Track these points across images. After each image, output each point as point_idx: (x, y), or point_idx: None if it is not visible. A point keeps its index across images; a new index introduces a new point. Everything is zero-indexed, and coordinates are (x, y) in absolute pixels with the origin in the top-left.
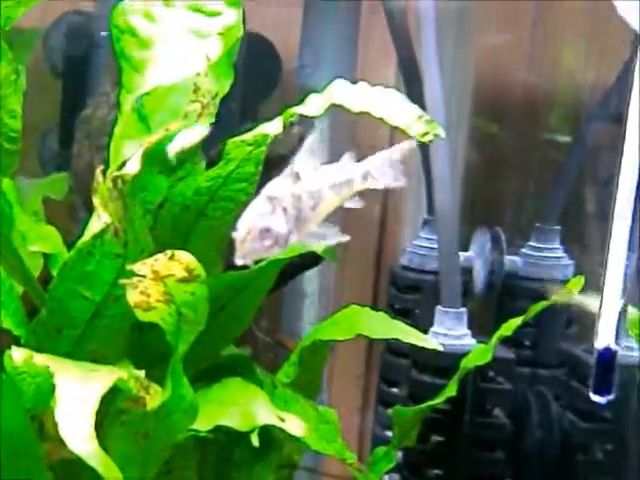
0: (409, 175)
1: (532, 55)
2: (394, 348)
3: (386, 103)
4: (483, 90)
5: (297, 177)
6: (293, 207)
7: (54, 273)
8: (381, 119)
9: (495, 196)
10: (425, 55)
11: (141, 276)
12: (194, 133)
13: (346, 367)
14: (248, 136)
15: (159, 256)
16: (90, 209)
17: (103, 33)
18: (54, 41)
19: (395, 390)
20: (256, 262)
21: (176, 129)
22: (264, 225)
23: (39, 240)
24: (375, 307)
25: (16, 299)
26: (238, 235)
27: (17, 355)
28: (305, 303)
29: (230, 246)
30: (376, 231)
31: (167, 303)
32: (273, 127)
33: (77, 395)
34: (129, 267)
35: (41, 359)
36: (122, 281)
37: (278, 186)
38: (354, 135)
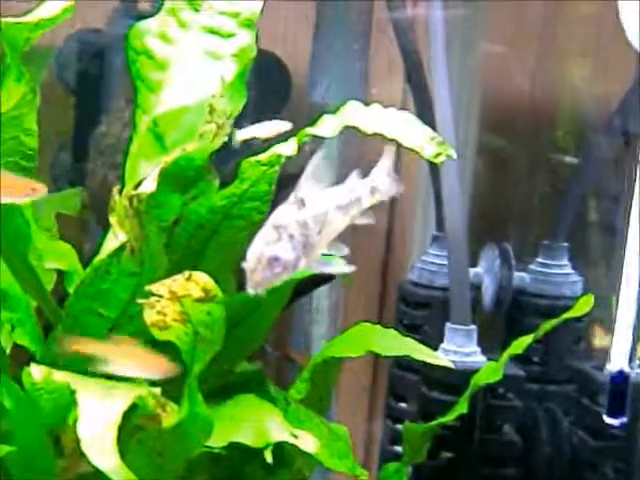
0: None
1: (538, 70)
2: (403, 363)
3: (399, 125)
4: (489, 105)
5: (302, 203)
6: (300, 234)
7: (70, 290)
8: (394, 140)
9: (502, 212)
10: (434, 70)
11: (159, 296)
12: (274, 126)
13: (352, 379)
14: (263, 156)
15: (177, 277)
16: (104, 226)
17: None
18: (66, 58)
19: (403, 405)
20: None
21: (192, 149)
22: (271, 254)
23: (55, 257)
24: (381, 322)
25: (32, 316)
26: (248, 265)
27: (36, 372)
28: (314, 319)
29: (241, 275)
30: (382, 246)
31: (183, 322)
32: (287, 148)
33: (99, 411)
34: (147, 287)
35: (61, 376)
36: (140, 300)
37: (284, 214)
38: (362, 147)
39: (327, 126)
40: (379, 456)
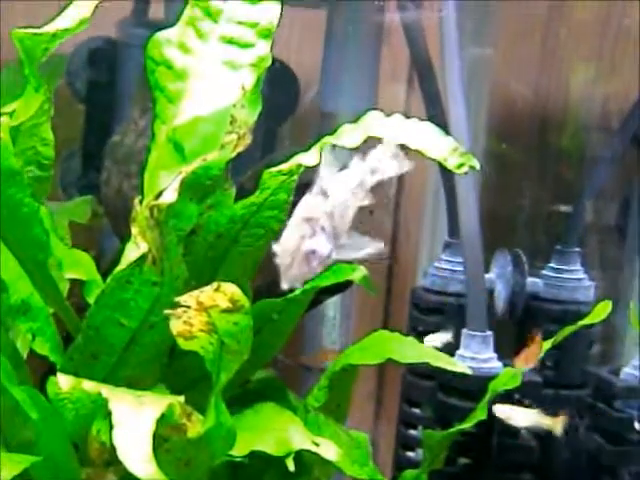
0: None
1: (542, 74)
2: (416, 369)
3: (422, 136)
4: (496, 112)
5: (325, 194)
6: (329, 225)
7: (89, 300)
8: (417, 151)
9: (512, 218)
10: (448, 76)
11: (186, 307)
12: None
13: (358, 384)
14: (284, 166)
15: (205, 288)
16: (119, 235)
17: None
18: (76, 66)
19: (417, 411)
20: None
21: (212, 159)
22: (309, 248)
23: (74, 267)
24: (386, 328)
25: (52, 326)
26: (282, 261)
27: (64, 381)
28: (326, 326)
29: (271, 272)
30: (387, 252)
31: (209, 332)
32: (309, 158)
33: (134, 420)
34: (176, 299)
35: (90, 385)
36: (166, 312)
37: (312, 206)
38: None
39: (349, 136)
40: (393, 463)
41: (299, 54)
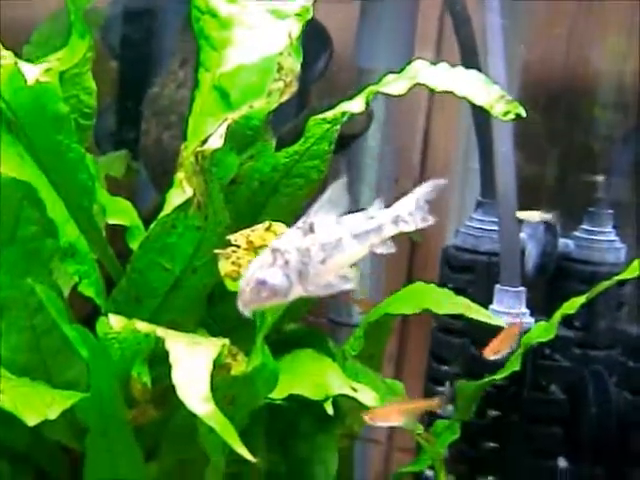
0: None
1: (572, 44)
2: (446, 326)
3: (469, 83)
4: (528, 76)
5: (311, 229)
6: (297, 260)
7: (132, 245)
8: (464, 98)
9: (544, 180)
10: (490, 39)
11: (236, 246)
12: None
13: None
14: (329, 114)
15: (257, 227)
16: (157, 186)
17: None
18: (111, 22)
19: (446, 368)
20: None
21: (259, 107)
22: (259, 277)
23: (117, 214)
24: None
25: (97, 270)
26: (241, 284)
27: (115, 321)
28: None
29: None
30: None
31: None
32: (355, 106)
33: (191, 359)
34: (228, 237)
35: (144, 326)
36: (216, 251)
37: (286, 238)
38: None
39: (396, 84)
40: (421, 418)
41: (340, 12)
